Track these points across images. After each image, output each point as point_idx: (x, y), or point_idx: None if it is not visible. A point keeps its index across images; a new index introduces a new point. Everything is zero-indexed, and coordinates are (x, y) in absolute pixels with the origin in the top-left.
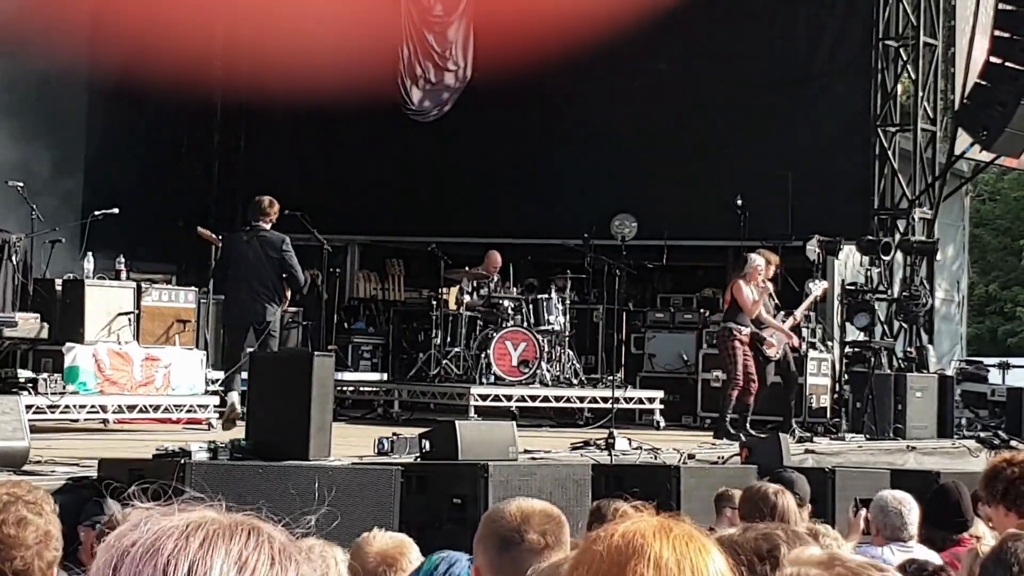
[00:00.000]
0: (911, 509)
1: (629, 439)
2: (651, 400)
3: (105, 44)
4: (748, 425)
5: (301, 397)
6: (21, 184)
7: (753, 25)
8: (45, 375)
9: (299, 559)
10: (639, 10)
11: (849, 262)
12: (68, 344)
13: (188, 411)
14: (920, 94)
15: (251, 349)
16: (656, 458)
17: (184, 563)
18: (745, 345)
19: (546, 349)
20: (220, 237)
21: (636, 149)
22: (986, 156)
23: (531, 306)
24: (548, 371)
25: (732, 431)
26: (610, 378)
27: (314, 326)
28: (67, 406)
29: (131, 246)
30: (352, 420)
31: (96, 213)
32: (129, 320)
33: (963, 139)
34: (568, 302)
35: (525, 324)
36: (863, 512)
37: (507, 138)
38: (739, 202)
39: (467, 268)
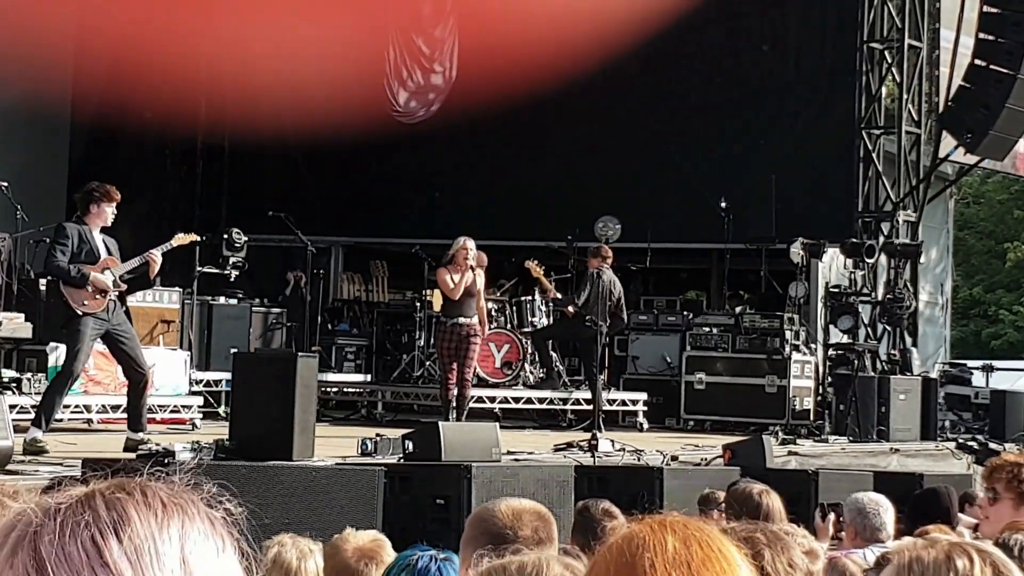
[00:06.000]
0: (887, 510)
1: (612, 441)
2: (634, 402)
3: (90, 49)
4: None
5: (285, 398)
6: (6, 184)
7: (738, 28)
8: (29, 375)
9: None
10: (625, 14)
11: (833, 265)
12: (52, 344)
13: (172, 411)
14: (904, 97)
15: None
16: (639, 460)
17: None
18: (451, 339)
19: (529, 351)
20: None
21: (620, 151)
22: (971, 159)
23: (514, 308)
24: (531, 373)
25: None
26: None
27: (298, 327)
28: None
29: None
30: (336, 421)
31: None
32: None
33: (947, 142)
34: (552, 304)
35: (508, 326)
36: (831, 516)
37: (491, 140)
38: (723, 204)
39: None
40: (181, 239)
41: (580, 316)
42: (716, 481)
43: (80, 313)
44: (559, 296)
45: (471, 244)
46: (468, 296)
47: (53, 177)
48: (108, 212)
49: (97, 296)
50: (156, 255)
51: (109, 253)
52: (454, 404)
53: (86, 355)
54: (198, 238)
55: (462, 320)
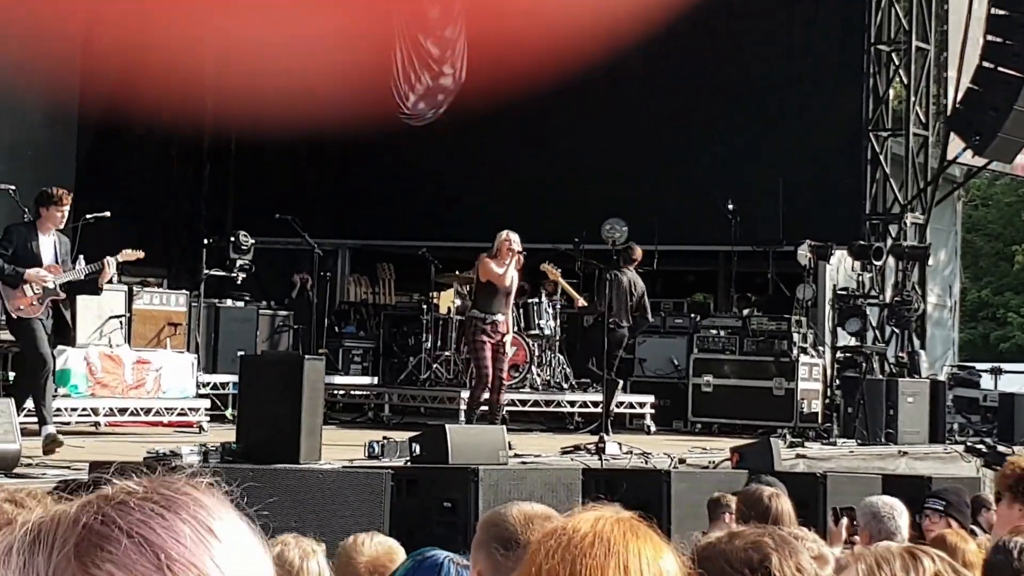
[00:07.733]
0: (902, 514)
1: (620, 443)
2: (642, 405)
3: (97, 49)
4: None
5: (292, 401)
6: (13, 187)
7: (745, 30)
8: None
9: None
10: (631, 15)
11: (841, 267)
12: (60, 347)
13: (179, 414)
14: (912, 99)
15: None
16: (647, 463)
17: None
18: (490, 336)
19: (536, 353)
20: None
21: (627, 153)
22: (979, 161)
23: (521, 310)
24: (538, 375)
25: None
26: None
27: (305, 330)
28: (59, 409)
29: (122, 249)
30: (343, 424)
31: (87, 216)
32: (120, 323)
33: (955, 144)
34: (559, 306)
35: (515, 328)
36: (844, 520)
37: (498, 142)
38: (730, 207)
39: (458, 272)
40: (127, 255)
41: (600, 322)
42: (724, 484)
43: (15, 317)
44: (585, 305)
45: (515, 236)
46: (506, 293)
47: (60, 178)
48: (57, 216)
49: (34, 303)
50: (111, 261)
51: (57, 259)
52: (484, 407)
53: (45, 340)
54: (143, 255)
55: (500, 318)
